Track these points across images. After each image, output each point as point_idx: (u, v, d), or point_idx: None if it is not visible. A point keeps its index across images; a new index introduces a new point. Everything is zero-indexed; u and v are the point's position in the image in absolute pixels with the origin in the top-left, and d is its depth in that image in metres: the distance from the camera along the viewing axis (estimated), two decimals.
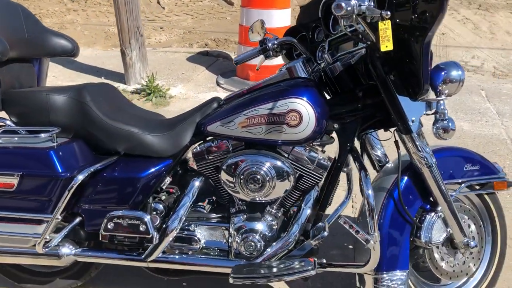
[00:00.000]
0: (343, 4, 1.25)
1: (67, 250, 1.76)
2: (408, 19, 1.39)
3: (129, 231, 1.72)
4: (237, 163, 1.69)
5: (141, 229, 1.71)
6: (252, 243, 1.72)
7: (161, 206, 1.81)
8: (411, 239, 1.72)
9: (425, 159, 1.64)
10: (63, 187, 1.62)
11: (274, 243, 1.74)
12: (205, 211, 1.83)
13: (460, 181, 1.78)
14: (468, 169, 1.79)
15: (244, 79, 4.68)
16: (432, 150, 1.77)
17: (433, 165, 1.65)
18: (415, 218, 1.72)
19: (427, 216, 1.72)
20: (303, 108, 1.59)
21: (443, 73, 1.58)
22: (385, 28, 1.28)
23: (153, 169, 1.75)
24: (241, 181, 1.68)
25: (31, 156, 1.62)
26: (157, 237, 1.73)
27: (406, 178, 1.71)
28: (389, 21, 1.30)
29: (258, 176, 1.66)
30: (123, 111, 1.83)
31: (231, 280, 1.66)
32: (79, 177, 1.62)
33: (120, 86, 4.57)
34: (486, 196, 1.87)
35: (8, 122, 1.78)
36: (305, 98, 1.60)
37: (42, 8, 8.21)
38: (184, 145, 1.76)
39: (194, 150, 1.78)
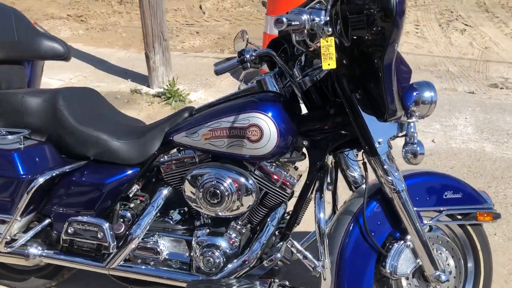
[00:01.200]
0: (284, 19, 1.19)
1: (35, 250, 1.79)
2: (364, 38, 1.32)
3: (87, 237, 1.73)
4: (199, 176, 1.65)
5: (99, 236, 1.71)
6: (211, 259, 1.68)
7: (128, 214, 1.80)
8: (377, 268, 1.62)
9: (393, 184, 1.54)
10: (23, 189, 1.64)
11: (235, 260, 1.69)
12: (171, 222, 1.81)
13: (438, 209, 1.65)
14: (449, 197, 1.67)
15: None
16: (409, 174, 1.67)
17: (402, 190, 1.54)
18: (383, 246, 1.62)
19: (395, 244, 1.61)
20: (264, 123, 1.54)
21: (415, 93, 1.49)
22: (327, 45, 1.21)
23: (119, 176, 1.75)
24: (201, 194, 1.64)
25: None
26: (116, 245, 1.72)
27: (375, 202, 1.61)
28: (332, 38, 1.22)
29: (217, 190, 1.62)
30: (97, 117, 1.84)
31: None
32: (39, 180, 1.64)
33: (144, 89, 4.66)
34: (469, 227, 1.73)
35: None
36: (267, 113, 1.54)
37: (90, 9, 8.53)
38: (151, 153, 1.74)
39: (162, 159, 1.76)
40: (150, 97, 4.47)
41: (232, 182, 1.62)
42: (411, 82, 1.55)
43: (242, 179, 1.62)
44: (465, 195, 1.69)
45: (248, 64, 1.70)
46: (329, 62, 1.23)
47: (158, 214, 1.79)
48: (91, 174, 1.75)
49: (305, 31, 1.29)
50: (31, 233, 1.77)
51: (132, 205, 1.84)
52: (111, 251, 1.72)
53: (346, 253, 1.58)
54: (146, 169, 1.77)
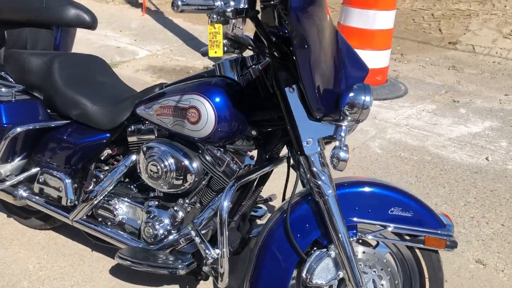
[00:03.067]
0: (179, 2, 1.17)
1: (22, 193, 2.03)
2: (276, 30, 1.26)
3: (51, 188, 1.91)
4: (148, 149, 1.72)
5: (60, 189, 1.88)
6: (151, 230, 1.75)
7: (101, 175, 1.95)
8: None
9: (318, 188, 1.46)
10: (2, 136, 1.86)
11: (172, 235, 1.75)
12: (133, 190, 1.91)
13: (377, 223, 1.53)
14: (395, 213, 1.53)
15: None
16: (354, 182, 1.58)
17: (327, 196, 1.45)
18: (308, 250, 1.55)
19: (317, 251, 1.53)
20: (203, 106, 1.55)
21: (350, 95, 1.39)
22: (215, 32, 1.18)
23: (90, 139, 1.89)
24: (144, 166, 1.72)
25: None
26: (77, 200, 1.88)
27: (308, 203, 1.54)
28: (220, 25, 1.18)
29: (157, 166, 1.68)
30: (86, 83, 1.99)
31: (115, 259, 1.73)
32: (17, 129, 1.84)
33: None
34: (418, 251, 1.58)
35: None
36: (207, 97, 1.55)
37: None
38: (120, 122, 1.85)
39: (129, 129, 1.86)
40: None
41: (174, 160, 1.66)
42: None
43: (184, 159, 1.66)
44: (415, 214, 1.53)
45: (225, 48, 1.70)
46: (215, 50, 1.21)
47: (122, 179, 1.91)
48: (68, 133, 1.92)
49: (216, 17, 1.26)
50: (19, 177, 2.00)
51: (106, 168, 1.98)
52: (68, 204, 1.89)
53: (265, 249, 1.55)
54: (117, 136, 1.89)
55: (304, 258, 1.53)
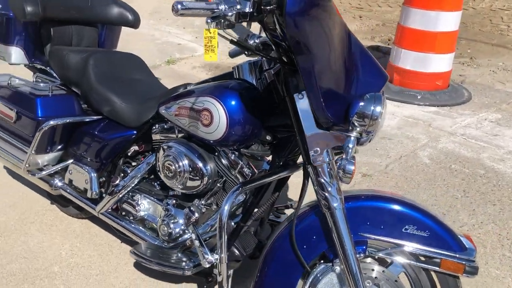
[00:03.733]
0: (178, 6, 1.15)
1: (58, 182, 2.14)
2: (279, 36, 1.22)
3: (79, 180, 1.99)
4: (167, 148, 1.74)
5: (86, 181, 1.95)
6: (166, 228, 1.77)
7: (128, 171, 2.01)
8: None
9: (325, 199, 1.39)
10: (36, 128, 1.96)
11: (186, 235, 1.76)
12: (156, 187, 1.95)
13: (389, 240, 1.44)
14: (410, 232, 1.43)
15: (389, 82, 4.34)
16: (368, 196, 1.49)
17: (334, 209, 1.39)
18: (316, 261, 1.49)
19: (322, 264, 1.47)
20: (215, 109, 1.54)
21: (360, 104, 1.31)
22: (210, 37, 1.15)
23: (117, 135, 1.95)
24: (161, 165, 1.74)
25: (25, 99, 2.00)
26: (100, 193, 1.95)
27: (316, 214, 1.48)
28: (215, 30, 1.15)
29: (172, 166, 1.69)
30: (120, 80, 2.05)
31: (129, 253, 1.77)
32: (50, 123, 1.93)
33: None
34: (434, 275, 1.47)
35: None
36: (220, 100, 1.53)
37: None
38: (145, 120, 1.88)
39: (154, 127, 1.90)
40: None
41: (188, 161, 1.67)
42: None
43: (199, 161, 1.66)
44: (432, 235, 1.42)
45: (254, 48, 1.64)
46: (210, 54, 1.18)
47: (146, 176, 1.95)
48: (98, 129, 1.99)
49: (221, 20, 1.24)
50: (55, 168, 2.11)
51: (134, 164, 2.03)
52: (92, 196, 1.96)
53: (270, 257, 1.52)
54: (143, 134, 1.94)
55: (309, 270, 1.47)
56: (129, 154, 1.99)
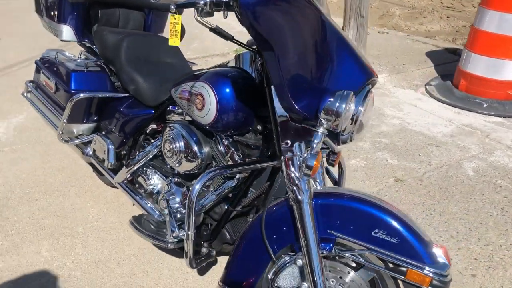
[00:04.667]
0: None
1: (89, 151, 2.34)
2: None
3: (100, 151, 2.16)
4: (170, 128, 1.84)
5: (104, 152, 2.11)
6: (164, 203, 1.88)
7: (147, 146, 2.15)
8: None
9: (293, 192, 1.40)
10: (68, 99, 2.15)
11: (179, 212, 1.85)
12: (166, 165, 2.06)
13: (357, 242, 1.41)
14: (378, 236, 1.39)
15: (455, 87, 4.09)
16: (342, 194, 1.47)
17: (301, 203, 1.39)
18: (284, 252, 1.51)
19: (287, 256, 1.47)
20: (207, 94, 1.60)
21: (329, 100, 1.30)
22: (175, 23, 1.20)
23: (137, 113, 2.09)
24: (163, 144, 1.84)
25: (63, 72, 2.20)
26: (115, 164, 2.11)
27: (288, 207, 1.49)
28: (179, 16, 1.19)
29: (170, 145, 1.79)
30: (149, 62, 2.17)
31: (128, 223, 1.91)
32: (80, 95, 2.11)
33: None
34: (400, 283, 1.42)
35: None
36: (212, 86, 1.59)
37: None
38: (161, 100, 1.99)
39: (168, 108, 2.00)
40: None
41: (185, 143, 1.76)
42: None
43: (194, 143, 1.74)
44: (402, 242, 1.37)
45: None
46: (174, 39, 1.23)
47: (160, 153, 2.07)
48: (122, 105, 2.14)
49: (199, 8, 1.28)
50: (84, 138, 2.30)
51: (152, 140, 2.17)
52: (108, 166, 2.12)
53: (242, 244, 1.55)
54: (160, 113, 2.05)
55: (274, 260, 1.49)
56: (147, 131, 2.13)
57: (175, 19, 1.24)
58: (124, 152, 2.20)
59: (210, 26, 1.37)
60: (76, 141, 2.31)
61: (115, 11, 2.39)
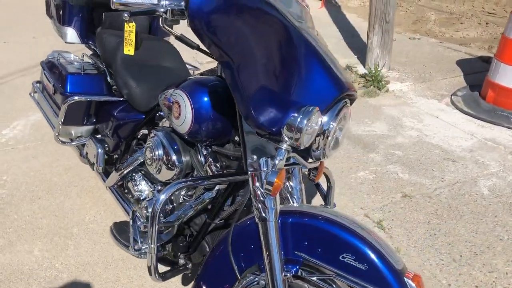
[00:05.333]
0: None
1: (85, 153, 2.35)
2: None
3: (90, 155, 2.16)
4: (152, 135, 1.81)
5: (94, 156, 2.12)
6: (144, 211, 1.85)
7: (138, 152, 2.13)
8: None
9: (258, 210, 1.34)
10: (63, 101, 2.16)
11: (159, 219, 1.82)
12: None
13: (323, 266, 1.33)
14: (346, 261, 1.31)
15: (482, 98, 3.88)
16: (316, 214, 1.39)
17: (267, 221, 1.32)
18: (251, 271, 1.44)
19: (251, 276, 1.41)
20: (183, 103, 1.56)
21: (293, 115, 1.23)
22: (129, 31, 1.16)
23: (128, 118, 2.08)
24: (145, 151, 1.82)
25: (61, 74, 2.22)
26: (104, 168, 2.11)
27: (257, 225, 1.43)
28: (133, 24, 1.15)
29: (151, 152, 1.76)
30: (145, 66, 2.15)
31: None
32: (75, 98, 2.11)
33: (359, 68, 4.61)
34: None
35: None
36: (189, 94, 1.55)
37: None
38: (151, 106, 1.96)
39: (157, 114, 1.98)
40: (356, 77, 4.41)
41: (164, 151, 1.72)
42: None
43: (173, 152, 1.70)
44: (371, 269, 1.28)
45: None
46: (129, 48, 1.19)
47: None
48: (116, 110, 2.13)
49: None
50: (78, 141, 2.31)
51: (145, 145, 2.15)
52: (97, 170, 2.12)
53: (209, 260, 1.50)
54: (150, 119, 2.03)
55: (238, 279, 1.43)
56: (139, 136, 2.11)
57: (129, 27, 1.21)
58: (117, 156, 2.19)
59: (176, 34, 1.33)
60: (73, 143, 2.32)
61: (119, 15, 2.39)
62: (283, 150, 1.26)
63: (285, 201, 1.56)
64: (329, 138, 1.30)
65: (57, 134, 2.27)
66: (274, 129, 1.25)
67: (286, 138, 1.23)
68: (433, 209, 2.53)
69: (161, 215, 1.79)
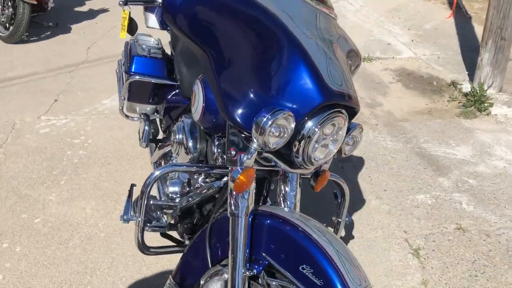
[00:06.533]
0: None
1: None
2: None
3: (140, 132, 2.34)
4: (180, 120, 1.91)
5: (140, 133, 2.29)
6: (166, 189, 1.96)
7: None
8: None
9: (230, 205, 1.36)
10: (126, 79, 2.36)
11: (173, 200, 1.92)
12: None
13: (284, 273, 1.31)
14: (304, 272, 1.27)
15: None
16: (289, 220, 1.38)
17: (237, 217, 1.34)
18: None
19: (219, 267, 1.43)
20: (198, 91, 1.62)
21: (262, 115, 1.22)
22: (124, 18, 1.23)
23: (176, 102, 2.21)
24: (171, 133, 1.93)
25: (130, 54, 2.42)
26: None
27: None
28: (127, 11, 1.21)
29: (173, 136, 1.86)
30: None
31: None
32: (136, 77, 2.30)
33: (464, 84, 4.24)
34: None
35: None
36: (203, 84, 1.61)
37: None
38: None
39: None
40: (459, 94, 4.07)
41: (182, 136, 1.81)
42: None
43: (190, 138, 1.79)
44: (326, 286, 1.24)
45: None
46: (122, 32, 1.27)
47: None
48: (170, 93, 2.28)
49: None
50: (139, 117, 2.52)
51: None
52: (142, 146, 2.29)
53: (192, 244, 1.56)
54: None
55: (209, 267, 1.47)
56: None
57: (124, 14, 1.31)
58: (165, 135, 2.35)
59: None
60: (134, 119, 2.54)
61: None
62: (252, 149, 1.27)
63: (277, 204, 1.56)
64: (311, 144, 1.27)
65: (120, 108, 2.51)
66: (245, 126, 1.26)
67: (254, 138, 1.24)
68: (486, 249, 2.27)
69: (171, 194, 1.90)
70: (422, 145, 3.26)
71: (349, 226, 2.39)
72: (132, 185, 1.89)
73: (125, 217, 1.72)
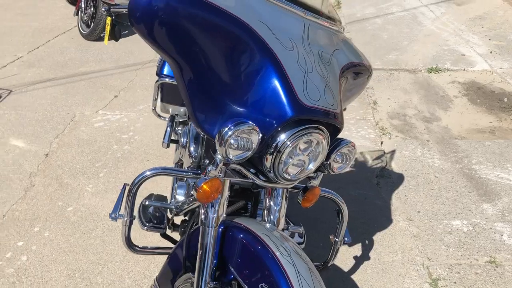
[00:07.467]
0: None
1: None
2: None
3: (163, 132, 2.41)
4: (188, 124, 1.95)
5: (164, 133, 2.36)
6: (174, 191, 2.01)
7: None
8: None
9: (200, 214, 1.36)
10: (156, 81, 2.43)
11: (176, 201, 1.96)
12: None
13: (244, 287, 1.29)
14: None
15: None
16: (256, 235, 1.35)
17: (205, 226, 1.34)
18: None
19: (187, 275, 1.43)
20: None
21: (227, 125, 1.21)
22: (107, 24, 1.26)
23: None
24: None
25: (162, 58, 2.49)
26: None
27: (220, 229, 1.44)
28: (110, 18, 1.23)
29: (181, 139, 1.89)
30: None
31: None
32: (166, 80, 2.36)
33: None
34: None
35: None
36: None
37: None
38: None
39: None
40: None
41: (186, 139, 1.84)
42: None
43: (192, 142, 1.82)
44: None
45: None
46: (106, 38, 1.30)
47: None
48: None
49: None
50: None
51: None
52: (163, 147, 2.34)
53: (174, 249, 1.58)
54: None
55: (182, 273, 1.48)
56: None
57: (108, 21, 1.35)
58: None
59: None
60: (167, 118, 2.62)
61: None
62: (217, 159, 1.25)
63: (262, 217, 1.53)
64: (282, 159, 1.24)
65: (153, 108, 2.60)
66: (211, 134, 1.25)
67: (217, 148, 1.23)
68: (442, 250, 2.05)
69: (177, 196, 1.93)
70: (473, 166, 3.01)
71: (367, 247, 2.27)
72: (125, 185, 1.95)
73: (113, 215, 1.78)
